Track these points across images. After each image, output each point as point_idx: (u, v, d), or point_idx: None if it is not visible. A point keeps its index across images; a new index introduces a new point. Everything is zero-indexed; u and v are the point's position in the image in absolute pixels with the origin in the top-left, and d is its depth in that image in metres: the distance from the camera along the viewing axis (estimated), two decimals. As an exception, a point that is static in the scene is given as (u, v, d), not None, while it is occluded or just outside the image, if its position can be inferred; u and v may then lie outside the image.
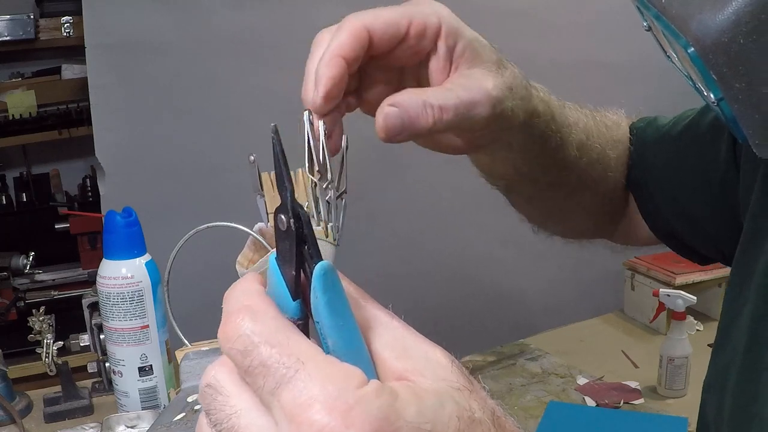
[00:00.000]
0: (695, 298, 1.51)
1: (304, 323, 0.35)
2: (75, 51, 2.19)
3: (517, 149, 0.61)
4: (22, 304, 2.12)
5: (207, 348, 0.75)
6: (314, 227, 0.75)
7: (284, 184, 0.38)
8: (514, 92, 0.55)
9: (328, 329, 0.34)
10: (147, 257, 0.98)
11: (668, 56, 0.55)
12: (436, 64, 0.52)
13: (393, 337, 0.36)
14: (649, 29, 0.54)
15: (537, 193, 0.71)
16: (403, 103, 0.47)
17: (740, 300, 0.58)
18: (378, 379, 0.33)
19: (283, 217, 0.36)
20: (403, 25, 0.50)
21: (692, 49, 0.42)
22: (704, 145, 0.70)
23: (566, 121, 0.66)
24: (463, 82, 0.51)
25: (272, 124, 0.39)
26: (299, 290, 0.35)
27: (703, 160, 0.70)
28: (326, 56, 0.49)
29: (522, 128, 0.57)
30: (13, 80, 2.39)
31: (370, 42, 0.49)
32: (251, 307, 0.33)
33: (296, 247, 0.35)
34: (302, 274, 0.35)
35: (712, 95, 0.44)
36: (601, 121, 0.74)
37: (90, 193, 2.43)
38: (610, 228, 0.83)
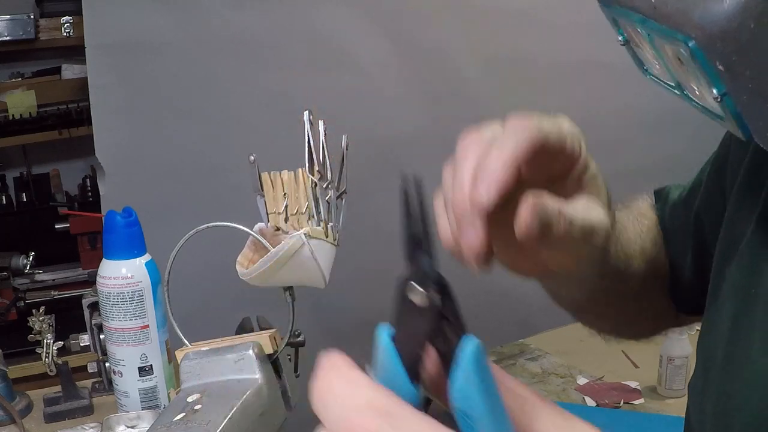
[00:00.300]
0: (695, 298, 1.51)
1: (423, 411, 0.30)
2: (75, 51, 2.19)
3: (595, 273, 0.61)
4: (22, 304, 2.12)
5: (207, 348, 0.75)
6: (314, 227, 0.75)
7: (424, 246, 0.32)
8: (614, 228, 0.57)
9: (483, 417, 0.29)
10: (147, 257, 0.98)
11: (645, 70, 0.53)
12: (569, 183, 0.52)
13: (552, 421, 0.34)
14: (625, 43, 0.53)
15: (605, 308, 0.72)
16: (545, 206, 0.46)
17: (718, 301, 0.59)
18: None
19: (418, 288, 0.31)
20: (564, 141, 0.49)
21: (693, 42, 0.40)
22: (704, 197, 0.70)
23: (626, 234, 0.67)
24: (590, 206, 0.51)
25: (407, 174, 0.32)
26: (419, 373, 0.31)
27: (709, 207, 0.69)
28: (505, 157, 0.45)
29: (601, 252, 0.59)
30: (13, 80, 2.39)
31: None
32: (387, 411, 0.29)
33: (436, 322, 0.31)
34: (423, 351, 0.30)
35: (714, 90, 0.42)
36: (637, 215, 0.75)
37: (90, 193, 2.43)
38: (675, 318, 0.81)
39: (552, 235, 0.46)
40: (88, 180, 2.48)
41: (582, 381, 1.45)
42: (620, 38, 0.53)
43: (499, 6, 2.05)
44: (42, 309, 1.14)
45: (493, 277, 2.00)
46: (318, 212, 0.77)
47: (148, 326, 0.96)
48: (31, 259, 2.04)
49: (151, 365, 0.98)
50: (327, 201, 0.77)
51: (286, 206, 0.79)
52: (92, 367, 1.14)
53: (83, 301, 1.09)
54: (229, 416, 0.67)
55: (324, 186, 0.77)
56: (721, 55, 0.40)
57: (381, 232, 2.03)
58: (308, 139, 0.75)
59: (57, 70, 2.41)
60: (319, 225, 0.76)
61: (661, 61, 0.49)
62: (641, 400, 1.38)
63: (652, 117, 2.30)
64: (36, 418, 1.11)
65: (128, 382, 0.98)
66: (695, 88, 0.46)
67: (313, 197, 0.76)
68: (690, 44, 0.41)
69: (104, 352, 1.06)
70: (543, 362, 1.57)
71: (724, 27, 0.39)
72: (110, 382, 1.06)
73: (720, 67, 0.40)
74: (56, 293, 2.20)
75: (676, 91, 0.50)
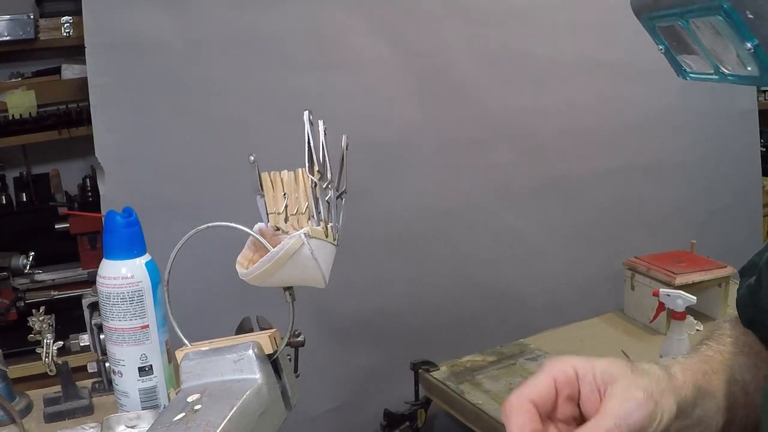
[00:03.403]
0: (695, 298, 1.51)
1: None
2: (75, 51, 2.19)
3: None
4: (22, 304, 2.12)
5: (207, 348, 0.75)
6: (314, 227, 0.75)
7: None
8: (659, 388, 0.60)
9: None
10: (147, 257, 0.98)
11: (683, 71, 0.58)
12: (586, 400, 0.60)
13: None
14: (666, 50, 0.58)
15: None
16: None
17: None
18: None
19: None
20: (550, 385, 0.60)
21: (726, 2, 0.47)
22: None
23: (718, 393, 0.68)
24: (613, 404, 0.58)
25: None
26: None
27: None
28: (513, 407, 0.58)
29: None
30: (13, 80, 2.39)
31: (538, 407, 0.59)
32: None
33: None
34: None
35: (748, 44, 0.47)
36: (724, 350, 0.74)
37: (90, 193, 2.43)
38: None
39: None
40: (88, 180, 2.48)
41: (582, 381, 1.45)
42: (660, 47, 0.59)
43: (499, 6, 2.05)
44: (42, 309, 1.14)
45: (494, 278, 2.01)
46: (318, 212, 0.76)
47: (148, 326, 0.96)
48: (31, 259, 2.04)
49: (151, 365, 0.98)
50: (327, 201, 0.77)
51: (286, 206, 0.79)
52: (92, 367, 1.14)
53: (83, 301, 1.09)
54: (229, 416, 0.67)
55: (324, 186, 0.77)
56: (749, 4, 0.46)
57: (381, 232, 2.03)
58: (308, 139, 0.75)
59: (57, 70, 2.41)
60: (319, 225, 0.76)
61: (700, 47, 0.54)
62: (641, 400, 1.38)
63: (652, 115, 2.30)
64: (36, 418, 1.11)
65: (128, 382, 0.98)
66: (731, 59, 0.52)
67: (313, 197, 0.76)
68: (725, 5, 0.47)
69: (104, 352, 1.06)
70: (543, 362, 1.57)
71: None
72: (110, 382, 1.06)
73: (750, 16, 0.46)
74: (56, 293, 2.20)
75: (714, 76, 0.55)
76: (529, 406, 0.58)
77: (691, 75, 0.58)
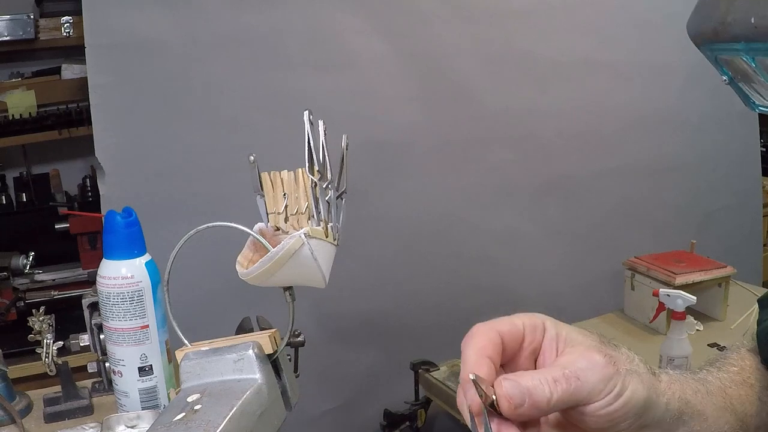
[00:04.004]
0: (695, 298, 1.51)
1: None
2: (75, 51, 2.19)
3: None
4: (22, 304, 2.12)
5: (207, 348, 0.75)
6: (314, 227, 0.75)
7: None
8: (630, 367, 0.56)
9: None
10: (147, 257, 0.98)
11: (752, 103, 0.56)
12: (544, 355, 0.57)
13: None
14: (730, 81, 0.56)
15: None
16: (518, 378, 0.52)
17: None
18: None
19: None
20: (519, 325, 0.57)
21: None
22: None
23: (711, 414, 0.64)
24: (568, 358, 0.55)
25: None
26: None
27: None
28: (472, 358, 0.54)
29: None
30: (13, 80, 2.39)
31: (503, 342, 0.56)
32: None
33: None
34: None
35: None
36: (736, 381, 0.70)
37: (90, 193, 2.43)
38: None
39: (548, 396, 0.52)
40: (88, 180, 2.48)
41: (582, 381, 1.45)
42: (724, 77, 0.56)
43: (500, 6, 2.05)
44: (42, 309, 1.14)
45: (493, 278, 2.01)
46: (318, 212, 0.76)
47: (148, 326, 0.96)
48: (31, 259, 2.04)
49: (151, 365, 0.98)
50: (327, 201, 0.77)
51: (286, 206, 0.79)
52: (92, 367, 1.14)
53: (83, 301, 1.09)
54: (229, 416, 0.67)
55: (324, 186, 0.77)
56: None
57: (381, 232, 2.03)
58: (308, 139, 0.75)
59: (57, 70, 2.41)
60: (319, 225, 0.76)
61: (766, 81, 0.52)
62: (641, 400, 1.37)
63: (652, 115, 2.31)
64: (36, 418, 1.11)
65: (128, 382, 0.98)
66: None
67: (313, 197, 0.76)
68: None
69: (104, 352, 1.06)
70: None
71: None
72: (110, 382, 1.06)
73: None
74: (56, 293, 2.19)
75: None
76: (494, 335, 0.55)
77: (761, 108, 0.56)
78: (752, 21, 0.46)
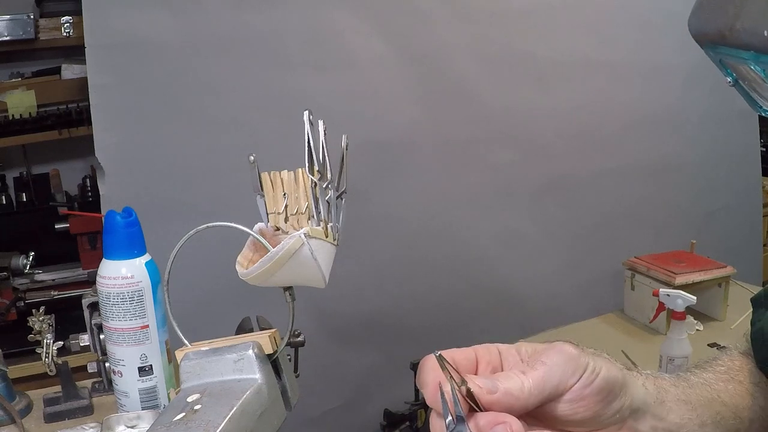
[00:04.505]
0: (695, 298, 1.51)
1: None
2: (75, 51, 2.19)
3: None
4: (22, 304, 2.12)
5: (207, 348, 0.75)
6: (314, 227, 0.75)
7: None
8: (596, 353, 0.56)
9: None
10: (147, 257, 0.98)
11: (759, 107, 0.55)
12: (509, 367, 0.56)
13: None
14: (735, 83, 0.55)
15: None
16: (486, 375, 0.54)
17: None
18: None
19: None
20: (470, 350, 0.58)
21: None
22: None
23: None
24: (532, 356, 0.55)
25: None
26: None
27: None
28: (431, 375, 0.54)
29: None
30: (13, 80, 2.39)
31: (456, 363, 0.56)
32: None
33: None
34: None
35: None
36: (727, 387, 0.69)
37: (90, 193, 2.43)
38: None
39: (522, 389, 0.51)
40: (88, 180, 2.48)
41: (582, 381, 1.45)
42: (728, 79, 0.55)
43: (499, 6, 2.05)
44: (42, 309, 1.14)
45: (494, 278, 2.01)
46: (318, 212, 0.76)
47: (148, 326, 0.96)
48: (31, 259, 2.04)
49: (151, 365, 0.98)
50: (327, 201, 0.77)
51: (286, 206, 0.79)
52: (92, 367, 1.14)
53: (83, 301, 1.09)
54: (229, 416, 0.67)
55: (324, 186, 0.77)
56: None
57: (381, 232, 2.03)
58: (308, 139, 0.75)
59: (57, 70, 2.41)
60: (319, 225, 0.76)
61: None
62: (641, 400, 1.38)
63: (652, 115, 2.31)
64: (36, 418, 1.11)
65: (128, 382, 0.98)
66: None
67: (313, 197, 0.76)
68: None
69: (104, 352, 1.06)
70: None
71: None
72: (110, 382, 1.06)
73: None
74: (56, 293, 2.19)
75: None
76: (448, 357, 0.54)
77: (766, 112, 0.55)
78: (765, 34, 0.45)
